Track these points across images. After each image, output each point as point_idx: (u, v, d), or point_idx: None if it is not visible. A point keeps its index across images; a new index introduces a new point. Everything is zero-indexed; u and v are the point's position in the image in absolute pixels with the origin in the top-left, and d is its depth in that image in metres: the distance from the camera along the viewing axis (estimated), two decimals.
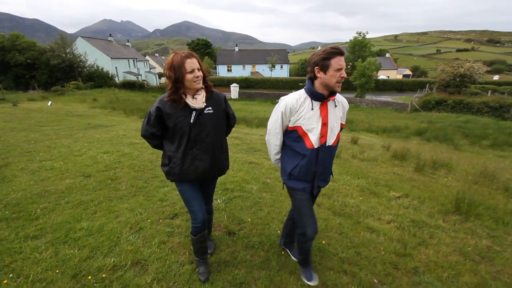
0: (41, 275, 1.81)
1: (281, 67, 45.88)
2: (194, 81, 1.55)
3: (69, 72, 25.70)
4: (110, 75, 28.74)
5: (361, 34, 36.24)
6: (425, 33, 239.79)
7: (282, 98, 1.69)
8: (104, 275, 1.82)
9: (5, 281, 1.75)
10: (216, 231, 2.45)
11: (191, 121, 1.61)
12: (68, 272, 1.85)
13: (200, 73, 1.57)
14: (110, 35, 43.57)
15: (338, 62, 1.48)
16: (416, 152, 6.53)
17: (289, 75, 46.93)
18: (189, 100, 1.60)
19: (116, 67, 35.12)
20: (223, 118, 1.80)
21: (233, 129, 1.83)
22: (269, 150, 1.80)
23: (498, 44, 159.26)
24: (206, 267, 1.92)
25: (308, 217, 1.73)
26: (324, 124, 1.60)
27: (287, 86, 34.91)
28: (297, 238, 1.88)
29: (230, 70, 46.02)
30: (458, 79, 23.34)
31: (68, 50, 25.96)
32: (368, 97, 26.38)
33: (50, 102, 14.88)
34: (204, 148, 1.68)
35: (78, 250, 2.07)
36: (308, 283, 1.87)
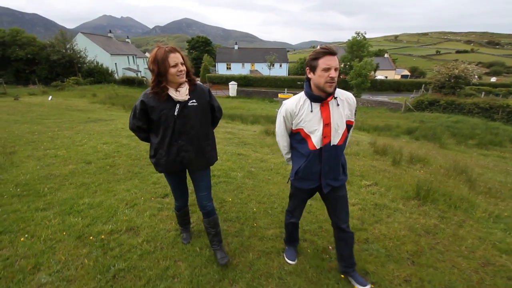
0: (51, 236, 2.19)
1: (280, 65, 46.16)
2: (178, 75, 1.60)
3: (69, 68, 25.98)
4: (109, 71, 29.02)
5: (360, 34, 36.56)
6: (425, 34, 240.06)
7: (284, 102, 1.73)
8: (103, 237, 2.20)
9: (22, 239, 2.13)
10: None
11: (175, 113, 1.66)
12: (73, 234, 2.23)
13: (183, 68, 1.62)
14: (110, 32, 43.77)
15: (326, 62, 1.48)
16: (398, 148, 6.92)
17: (288, 74, 47.24)
18: (173, 93, 1.64)
19: (115, 64, 35.36)
20: (207, 111, 1.84)
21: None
22: (281, 150, 1.87)
23: (497, 46, 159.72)
24: (188, 234, 2.27)
25: (298, 208, 1.98)
26: (327, 125, 1.59)
27: (285, 84, 35.22)
28: (286, 214, 2.08)
29: (230, 68, 46.27)
30: (452, 80, 23.68)
31: (68, 46, 26.24)
32: (365, 96, 26.78)
33: (50, 97, 15.18)
34: (189, 140, 1.73)
35: (81, 219, 2.45)
36: (288, 261, 2.08)
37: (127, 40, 49.32)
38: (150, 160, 1.84)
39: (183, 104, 1.67)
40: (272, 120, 11.42)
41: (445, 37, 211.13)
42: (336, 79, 1.50)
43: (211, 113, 1.91)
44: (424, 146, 9.73)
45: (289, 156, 1.84)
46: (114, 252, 2.04)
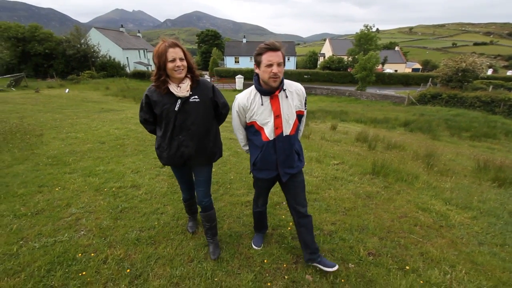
0: (76, 188, 3.02)
1: (288, 59, 46.26)
2: (175, 70, 1.59)
3: (84, 62, 27.29)
4: (121, 65, 30.22)
5: (368, 27, 36.24)
6: (442, 26, 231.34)
7: (236, 96, 1.76)
8: (114, 189, 3.00)
9: (57, 189, 2.96)
10: None
11: (176, 108, 1.67)
12: (92, 187, 3.04)
13: (182, 63, 1.60)
14: (122, 26, 44.95)
15: (268, 58, 1.52)
16: (382, 137, 7.48)
17: (296, 68, 47.34)
18: (174, 89, 1.65)
19: (127, 57, 36.55)
20: (209, 107, 1.82)
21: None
22: (239, 142, 1.95)
23: None
24: (194, 223, 2.40)
25: (262, 196, 2.06)
26: (277, 116, 1.65)
27: (292, 78, 35.29)
28: (253, 204, 2.17)
29: (238, 62, 46.79)
30: (460, 74, 23.44)
31: (82, 41, 27.48)
32: (372, 90, 26.85)
33: (67, 90, 16.31)
34: (189, 136, 1.74)
35: (98, 179, 3.27)
36: (254, 246, 2.18)
37: (138, 34, 50.52)
38: (156, 151, 1.90)
39: (184, 100, 1.69)
40: None
41: (463, 28, 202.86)
42: (280, 74, 1.55)
43: (215, 109, 1.88)
44: (415, 137, 10.19)
45: (247, 148, 1.92)
46: (121, 199, 2.83)
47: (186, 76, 1.68)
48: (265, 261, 2.04)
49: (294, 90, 1.72)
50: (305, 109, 1.81)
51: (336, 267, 1.89)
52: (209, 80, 31.04)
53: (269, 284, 1.83)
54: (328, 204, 3.06)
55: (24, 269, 1.82)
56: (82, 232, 2.26)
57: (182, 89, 1.66)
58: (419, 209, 3.02)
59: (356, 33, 37.13)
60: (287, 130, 1.70)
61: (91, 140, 5.02)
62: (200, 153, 1.82)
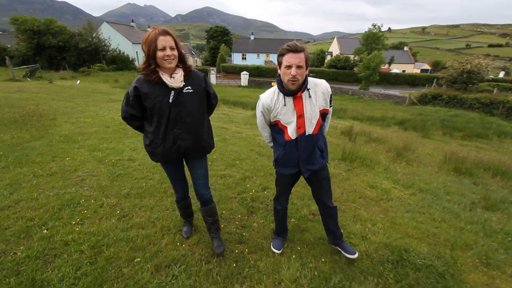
0: (83, 159, 3.67)
1: None
2: (165, 60, 1.54)
3: (95, 55, 28.29)
4: (130, 59, 31.12)
5: (376, 27, 36.19)
6: (456, 26, 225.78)
7: (260, 96, 1.77)
8: (113, 161, 3.64)
9: (67, 159, 3.61)
10: None
11: (170, 100, 1.61)
12: (96, 159, 3.68)
13: (172, 52, 1.54)
14: (133, 21, 45.96)
15: (288, 59, 1.51)
16: (368, 132, 7.94)
17: None
18: (167, 79, 1.58)
19: (136, 52, 37.49)
20: (203, 98, 1.80)
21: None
22: (264, 139, 1.97)
23: None
24: (189, 228, 2.25)
25: (283, 193, 2.05)
26: (300, 116, 1.66)
27: None
28: (274, 202, 2.15)
29: (245, 58, 47.27)
30: (465, 75, 23.41)
31: (94, 35, 28.46)
32: (376, 90, 26.98)
33: (78, 81, 17.18)
34: (185, 128, 1.69)
35: (101, 153, 3.91)
36: (274, 250, 2.12)
37: (148, 29, 51.43)
38: (146, 149, 1.80)
39: (178, 91, 1.64)
40: None
41: (478, 29, 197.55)
42: (299, 77, 1.55)
43: (207, 100, 1.86)
44: (406, 135, 10.58)
45: (272, 144, 1.95)
46: (118, 168, 3.46)
47: (177, 66, 1.64)
48: (224, 212, 2.62)
49: (319, 89, 1.71)
50: (331, 106, 1.80)
51: (356, 255, 2.00)
52: (215, 76, 31.58)
53: (223, 226, 2.40)
54: None
55: (42, 207, 2.45)
56: (86, 188, 2.89)
57: (176, 80, 1.60)
58: (368, 186, 3.55)
59: (365, 32, 37.13)
60: (310, 130, 1.71)
61: (98, 124, 5.68)
62: (197, 145, 1.78)
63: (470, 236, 2.50)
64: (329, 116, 1.87)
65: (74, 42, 27.54)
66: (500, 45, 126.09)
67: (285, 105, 1.66)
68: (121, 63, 29.36)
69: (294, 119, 1.67)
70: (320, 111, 1.71)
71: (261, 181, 3.44)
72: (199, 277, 1.80)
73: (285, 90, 1.64)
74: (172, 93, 1.62)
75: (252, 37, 50.55)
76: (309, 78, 1.68)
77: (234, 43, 49.55)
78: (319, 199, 1.99)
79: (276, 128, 1.78)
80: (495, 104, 15.76)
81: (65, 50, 27.77)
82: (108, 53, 29.82)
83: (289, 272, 1.90)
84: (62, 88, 13.33)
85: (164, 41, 1.51)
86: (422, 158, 5.77)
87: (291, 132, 1.70)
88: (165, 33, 1.52)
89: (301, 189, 3.20)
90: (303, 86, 1.63)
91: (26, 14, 28.04)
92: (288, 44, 1.53)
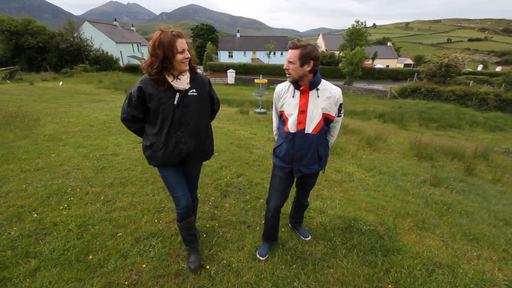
0: (68, 155, 3.87)
1: (281, 54, 46.91)
2: (183, 62, 1.54)
3: (77, 56, 27.77)
4: (114, 59, 30.68)
5: (359, 23, 36.98)
6: (438, 21, 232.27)
7: (278, 85, 1.85)
8: (97, 156, 3.86)
9: (53, 155, 3.81)
10: None
11: (175, 102, 1.59)
12: (81, 155, 3.90)
13: (189, 55, 1.56)
14: (115, 20, 45.11)
15: (287, 55, 1.64)
16: (346, 124, 8.37)
17: None
18: (173, 81, 1.57)
19: (120, 51, 36.93)
20: (207, 101, 1.78)
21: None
22: (273, 128, 2.03)
23: None
24: (196, 256, 1.95)
25: (274, 192, 1.95)
26: (302, 112, 1.69)
27: (283, 72, 35.85)
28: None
29: (232, 56, 47.30)
30: (443, 69, 24.41)
31: (75, 35, 27.89)
32: (360, 85, 27.76)
33: (61, 82, 16.94)
34: (188, 131, 1.66)
35: (85, 150, 4.12)
36: (259, 256, 2.06)
37: (132, 28, 50.67)
38: (144, 153, 1.72)
39: (183, 93, 1.61)
40: (255, 104, 12.92)
41: (459, 24, 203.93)
42: (291, 71, 1.63)
43: (210, 105, 1.84)
44: (384, 126, 11.12)
45: (277, 135, 1.97)
46: (103, 161, 3.69)
47: None
48: (200, 195, 2.92)
49: (327, 93, 1.70)
50: (339, 116, 1.79)
51: (309, 238, 2.31)
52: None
53: (199, 206, 2.70)
54: (264, 168, 3.93)
55: (31, 196, 2.68)
56: (72, 180, 3.12)
57: (182, 82, 1.58)
58: (334, 171, 3.92)
59: (348, 28, 37.86)
60: (309, 128, 1.71)
61: (82, 124, 5.84)
62: (199, 149, 1.74)
63: (413, 207, 2.91)
64: (337, 126, 1.87)
65: (55, 43, 26.93)
66: (479, 39, 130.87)
67: (293, 97, 1.71)
68: (104, 63, 28.94)
69: (296, 112, 1.70)
70: (323, 114, 1.70)
71: (237, 169, 3.75)
72: (173, 246, 2.10)
73: (294, 83, 1.72)
74: (177, 95, 1.60)
75: (238, 35, 50.58)
76: (324, 81, 1.72)
77: (220, 41, 49.46)
78: (298, 196, 2.18)
79: (281, 119, 1.84)
80: (469, 96, 16.63)
81: (45, 51, 27.12)
82: (91, 53, 29.31)
83: (252, 240, 2.23)
84: (44, 89, 13.19)
85: (182, 43, 1.52)
86: (392, 146, 6.23)
87: (291, 125, 1.73)
88: (181, 35, 1.54)
89: None
90: (313, 83, 1.67)
91: (1, 14, 27.14)
92: (291, 41, 1.66)
